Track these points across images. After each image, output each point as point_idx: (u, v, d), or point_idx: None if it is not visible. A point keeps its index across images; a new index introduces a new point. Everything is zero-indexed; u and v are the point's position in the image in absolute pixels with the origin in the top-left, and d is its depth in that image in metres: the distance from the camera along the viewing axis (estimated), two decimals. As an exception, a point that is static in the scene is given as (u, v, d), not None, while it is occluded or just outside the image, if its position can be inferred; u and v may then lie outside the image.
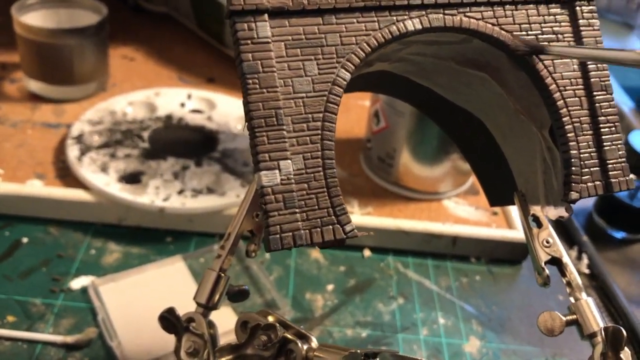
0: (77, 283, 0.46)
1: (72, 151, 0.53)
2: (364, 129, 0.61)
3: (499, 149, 0.36)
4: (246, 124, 0.26)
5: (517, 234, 0.53)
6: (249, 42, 0.25)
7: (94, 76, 0.62)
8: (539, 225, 0.33)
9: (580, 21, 0.31)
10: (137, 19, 0.79)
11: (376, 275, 0.51)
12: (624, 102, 0.79)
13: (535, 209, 0.34)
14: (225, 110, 0.62)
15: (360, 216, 0.53)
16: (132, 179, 0.52)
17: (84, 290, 0.46)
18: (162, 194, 0.50)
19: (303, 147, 0.26)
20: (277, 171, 0.25)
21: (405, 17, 0.28)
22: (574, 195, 0.30)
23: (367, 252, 0.52)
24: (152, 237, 0.51)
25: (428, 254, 0.53)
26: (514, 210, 0.55)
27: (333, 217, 0.25)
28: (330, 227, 0.25)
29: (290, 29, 0.26)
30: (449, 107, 0.36)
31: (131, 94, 0.62)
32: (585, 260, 0.55)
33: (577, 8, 0.31)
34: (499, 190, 0.39)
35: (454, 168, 0.56)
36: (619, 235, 0.59)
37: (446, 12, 0.29)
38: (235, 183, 0.53)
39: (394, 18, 0.28)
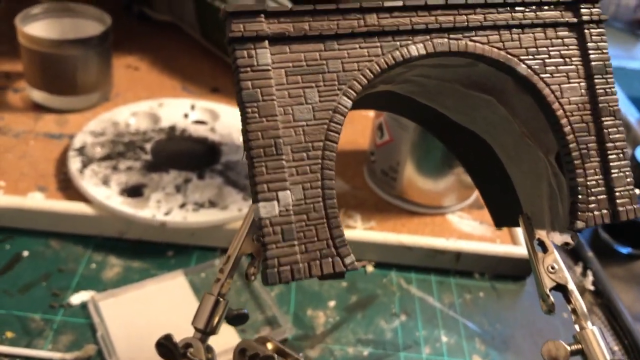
0: (77, 298, 0.46)
1: (74, 163, 0.53)
2: (368, 141, 0.60)
3: (505, 171, 0.36)
4: (245, 153, 0.25)
5: (521, 249, 0.53)
6: (248, 69, 0.25)
7: (97, 86, 0.62)
8: (544, 250, 0.33)
9: (589, 44, 0.30)
10: (142, 28, 0.79)
11: (378, 292, 0.50)
12: (631, 113, 0.78)
13: (541, 234, 0.33)
14: (228, 121, 0.62)
15: (363, 231, 0.52)
16: (133, 192, 0.52)
17: (83, 306, 0.45)
18: (164, 208, 0.50)
19: (302, 177, 0.25)
20: (275, 202, 0.24)
21: (409, 42, 0.27)
22: (579, 224, 0.29)
23: (369, 268, 0.52)
24: (153, 250, 0.50)
25: (431, 270, 0.52)
26: (519, 227, 0.55)
27: (332, 249, 0.25)
28: (330, 259, 0.25)
29: (291, 55, 0.26)
30: (454, 127, 0.36)
31: (134, 104, 0.62)
32: (590, 277, 0.54)
33: (586, 31, 0.30)
34: (504, 211, 0.38)
35: (458, 182, 0.55)
36: (625, 250, 0.59)
37: (451, 36, 0.28)
38: (237, 197, 0.52)
39: (398, 43, 0.27)
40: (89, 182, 0.51)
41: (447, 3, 0.28)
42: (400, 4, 0.27)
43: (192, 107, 0.63)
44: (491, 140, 0.35)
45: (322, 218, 0.25)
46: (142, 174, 0.53)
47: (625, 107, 0.79)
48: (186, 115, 0.62)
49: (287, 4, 0.66)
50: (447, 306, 0.50)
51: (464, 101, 0.33)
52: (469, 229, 0.55)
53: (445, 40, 0.28)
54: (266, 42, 0.25)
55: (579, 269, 0.55)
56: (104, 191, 0.51)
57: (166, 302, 0.46)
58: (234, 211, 0.51)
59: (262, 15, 0.25)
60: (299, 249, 0.24)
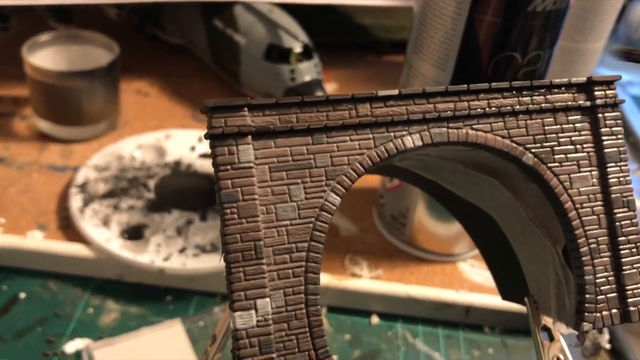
0: (71, 346, 0.45)
1: (75, 201, 0.52)
2: (379, 179, 0.59)
3: (511, 247, 0.34)
4: (222, 254, 0.23)
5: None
6: (228, 167, 0.23)
7: (103, 116, 0.61)
8: (551, 337, 0.31)
9: (603, 130, 0.28)
10: (154, 50, 0.77)
11: (383, 346, 0.48)
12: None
13: (547, 320, 0.31)
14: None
15: (369, 280, 0.51)
16: (134, 233, 0.50)
17: (78, 354, 0.44)
18: (163, 253, 0.49)
19: (284, 282, 0.23)
20: (253, 312, 0.23)
21: (404, 132, 0.26)
22: (586, 326, 0.27)
23: (374, 319, 0.50)
24: (151, 295, 0.49)
25: (439, 322, 0.51)
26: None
27: (314, 363, 0.23)
28: (311, 375, 0.23)
29: (276, 150, 0.24)
30: (458, 200, 0.34)
31: (141, 136, 0.60)
32: (606, 335, 0.51)
33: (600, 115, 0.28)
34: (512, 286, 0.36)
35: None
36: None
37: (450, 125, 0.26)
38: (240, 241, 0.51)
39: (392, 134, 0.25)
40: (89, 223, 0.50)
41: (447, 89, 0.26)
42: (396, 92, 0.25)
43: (200, 140, 0.61)
44: (497, 217, 0.33)
45: (305, 327, 0.23)
46: (144, 214, 0.52)
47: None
48: (193, 148, 0.60)
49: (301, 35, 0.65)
50: (453, 364, 0.48)
51: (466, 178, 0.31)
52: (480, 280, 0.53)
53: (444, 129, 0.26)
54: (249, 137, 0.24)
55: (593, 325, 0.52)
56: (104, 233, 0.49)
57: (161, 353, 0.45)
58: (236, 257, 0.49)
59: (246, 108, 0.24)
60: (277, 363, 0.23)
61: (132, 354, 0.45)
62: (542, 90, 0.28)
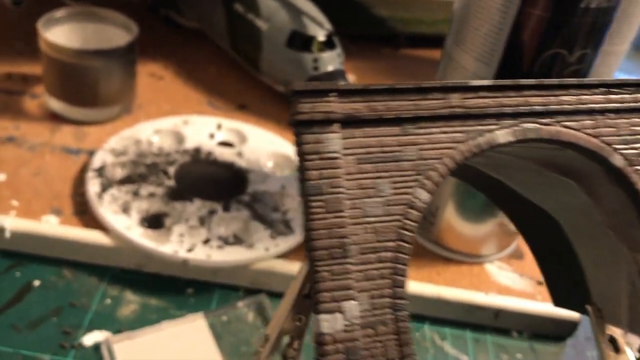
0: (89, 339, 0.43)
1: (93, 186, 0.50)
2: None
3: (574, 252, 0.32)
4: (307, 253, 0.22)
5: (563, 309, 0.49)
6: (315, 157, 0.22)
7: (119, 99, 0.59)
8: (616, 349, 0.29)
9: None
10: (169, 34, 0.75)
11: (410, 347, 0.47)
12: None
13: (614, 331, 0.30)
14: (256, 145, 0.58)
15: (397, 279, 0.49)
16: (155, 222, 0.48)
17: (96, 347, 0.42)
18: (187, 243, 0.47)
19: (370, 283, 0.22)
20: (339, 315, 0.21)
21: (496, 126, 0.24)
22: (671, 340, 0.26)
23: (401, 319, 0.48)
24: (172, 287, 0.47)
25: (468, 325, 0.49)
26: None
27: (402, 372, 0.21)
28: (399, 385, 0.21)
29: (363, 140, 0.22)
30: (519, 200, 0.32)
31: (158, 120, 0.58)
32: None
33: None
34: (567, 292, 0.35)
35: (500, 228, 0.51)
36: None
37: (541, 121, 0.24)
38: (264, 233, 0.49)
39: (482, 127, 0.24)
40: (107, 209, 0.48)
41: (541, 83, 0.24)
42: (489, 82, 0.24)
43: (219, 127, 0.59)
44: (562, 220, 0.31)
45: (392, 333, 0.22)
46: (165, 202, 0.50)
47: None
48: (212, 136, 0.58)
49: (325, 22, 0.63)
50: (482, 368, 0.46)
51: (536, 178, 0.29)
52: (508, 282, 0.51)
53: (536, 125, 0.24)
54: (337, 125, 0.22)
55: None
56: (124, 220, 0.47)
57: (184, 348, 0.43)
58: (261, 250, 0.47)
59: (334, 94, 0.22)
60: (363, 372, 0.21)
61: (154, 348, 0.43)
62: (632, 89, 0.26)
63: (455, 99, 0.23)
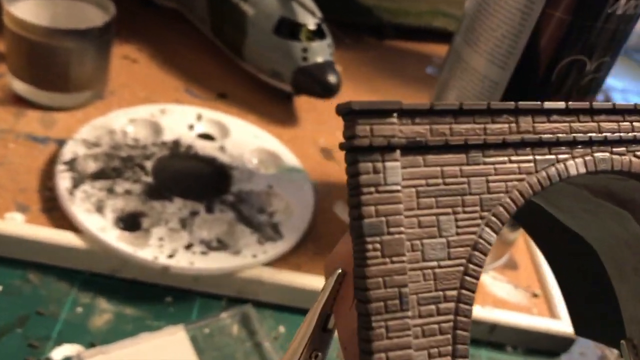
0: (58, 353, 0.39)
1: (63, 181, 0.45)
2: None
3: (608, 284, 0.30)
4: (355, 302, 0.18)
5: (559, 324, 0.47)
6: (373, 190, 0.18)
7: (91, 83, 0.54)
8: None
9: None
10: (145, 13, 0.70)
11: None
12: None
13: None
14: (239, 138, 0.54)
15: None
16: (131, 222, 0.44)
17: (66, 363, 0.38)
18: (167, 248, 0.43)
19: (429, 340, 0.19)
20: (395, 379, 0.18)
21: (568, 155, 0.21)
22: None
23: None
24: (149, 294, 0.43)
25: (461, 340, 0.47)
26: (556, 296, 0.49)
27: None
28: None
29: (426, 169, 0.19)
30: (554, 225, 0.29)
31: (133, 109, 0.54)
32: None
33: None
34: (591, 321, 0.32)
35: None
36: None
37: (614, 150, 0.22)
38: (251, 238, 0.45)
39: (555, 157, 0.21)
40: (80, 208, 0.43)
41: (615, 106, 0.22)
42: (562, 105, 0.21)
43: (199, 117, 0.55)
44: (602, 251, 0.29)
45: (450, 397, 0.19)
46: (142, 201, 0.46)
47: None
48: (191, 127, 0.54)
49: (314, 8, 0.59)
50: (479, 387, 0.44)
51: (584, 205, 0.27)
52: (503, 294, 0.49)
53: (608, 155, 0.21)
54: (398, 152, 0.18)
55: None
56: (98, 220, 0.43)
57: (164, 364, 0.39)
58: (248, 257, 0.44)
59: (395, 114, 0.18)
60: None
61: (130, 364, 0.39)
62: None
63: (525, 122, 0.20)
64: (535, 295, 0.50)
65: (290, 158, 0.54)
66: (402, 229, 0.18)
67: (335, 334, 0.26)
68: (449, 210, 0.19)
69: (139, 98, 0.57)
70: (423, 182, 0.19)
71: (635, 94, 0.86)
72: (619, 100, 0.81)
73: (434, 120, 0.19)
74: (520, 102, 0.20)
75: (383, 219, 0.18)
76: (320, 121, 0.61)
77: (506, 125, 0.20)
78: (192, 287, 0.44)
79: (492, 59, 0.41)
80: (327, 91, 0.57)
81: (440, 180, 0.19)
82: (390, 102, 0.18)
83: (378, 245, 0.18)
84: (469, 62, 0.43)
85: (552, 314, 0.49)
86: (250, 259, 0.44)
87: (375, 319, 0.18)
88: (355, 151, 0.18)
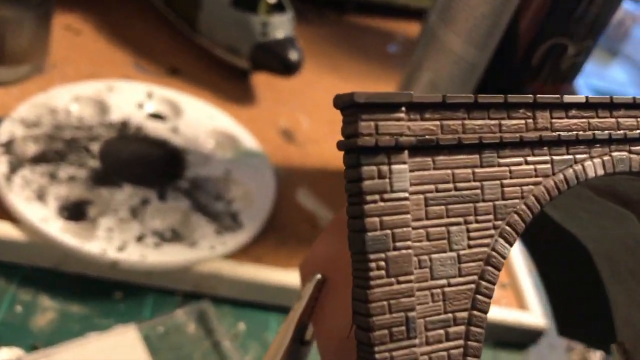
0: (-5, 358, 0.35)
1: (0, 165, 0.41)
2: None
3: (599, 286, 0.28)
4: (354, 328, 0.16)
5: (528, 316, 0.46)
6: (377, 198, 0.15)
7: (30, 56, 0.49)
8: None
9: None
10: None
11: None
12: None
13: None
14: (194, 118, 0.51)
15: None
16: (76, 211, 0.40)
17: (4, 368, 0.35)
18: (117, 240, 0.39)
19: (438, 369, 0.16)
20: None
21: (586, 156, 0.18)
22: None
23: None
24: (97, 290, 0.40)
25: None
26: (525, 287, 0.48)
27: None
28: None
29: (436, 173, 0.16)
30: (545, 223, 0.27)
31: (77, 85, 0.49)
32: None
33: None
34: (577, 323, 0.31)
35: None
36: None
37: (632, 149, 0.19)
38: (208, 229, 0.42)
39: (572, 157, 0.18)
40: (19, 196, 0.39)
41: (635, 100, 0.19)
42: (582, 99, 0.18)
43: (149, 95, 0.51)
44: (597, 251, 0.27)
45: None
46: (88, 187, 0.42)
47: None
48: (141, 106, 0.50)
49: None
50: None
51: (584, 204, 0.25)
52: (471, 285, 0.47)
53: (626, 155, 0.19)
54: (406, 153, 0.16)
55: None
56: (39, 209, 0.39)
57: (114, 367, 0.36)
58: (205, 250, 0.41)
59: (403, 108, 0.16)
60: None
61: (77, 368, 0.36)
62: None
63: (543, 118, 0.18)
64: (503, 286, 0.49)
65: (248, 141, 0.50)
66: (409, 243, 0.16)
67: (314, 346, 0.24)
68: (460, 219, 0.17)
69: (84, 73, 0.53)
70: (432, 187, 0.16)
71: (595, 76, 0.85)
72: (582, 86, 0.81)
73: (445, 115, 0.16)
74: (539, 95, 0.18)
75: (389, 232, 0.15)
76: (281, 101, 0.58)
77: (523, 122, 0.17)
78: (144, 282, 0.40)
79: (470, 39, 0.39)
80: (288, 69, 0.53)
81: (451, 185, 0.16)
82: (398, 94, 0.15)
83: (382, 263, 0.15)
84: (444, 42, 0.40)
85: (521, 305, 0.47)
86: (208, 251, 0.41)
87: (378, 349, 0.15)
88: (357, 152, 0.15)
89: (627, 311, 0.27)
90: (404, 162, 0.16)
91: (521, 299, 0.48)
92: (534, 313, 0.46)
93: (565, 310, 0.31)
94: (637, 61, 0.92)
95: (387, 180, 0.15)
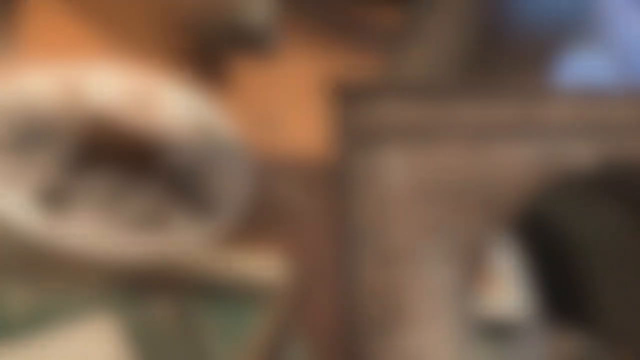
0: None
1: (-34, 151, 0.39)
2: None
3: (585, 279, 0.28)
4: (347, 325, 0.15)
5: (513, 306, 0.46)
6: (369, 188, 0.15)
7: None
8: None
9: None
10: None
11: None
12: None
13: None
14: (170, 105, 0.49)
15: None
16: (49, 198, 0.39)
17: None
18: (90, 229, 0.38)
19: (429, 365, 0.16)
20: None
21: (581, 147, 0.18)
22: None
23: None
24: (70, 283, 0.39)
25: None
26: (512, 280, 0.48)
27: None
28: None
29: (425, 162, 0.16)
30: (534, 213, 0.27)
31: (49, 67, 0.48)
32: None
33: None
34: (563, 313, 0.31)
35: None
36: None
37: (627, 140, 0.19)
38: (185, 218, 0.41)
39: (561, 149, 0.18)
40: (-14, 183, 0.38)
41: (625, 93, 0.19)
42: (573, 91, 0.18)
43: (125, 74, 0.50)
44: (589, 247, 0.27)
45: None
46: (61, 174, 0.40)
47: None
48: (115, 89, 0.49)
49: None
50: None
51: (581, 198, 0.24)
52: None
53: (622, 147, 0.19)
54: (399, 141, 0.15)
55: None
56: (8, 197, 0.38)
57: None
58: (181, 238, 0.40)
59: (398, 95, 0.15)
60: None
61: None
62: None
63: (535, 107, 0.17)
64: (491, 278, 0.49)
65: (225, 127, 0.49)
66: (401, 234, 0.15)
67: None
68: (451, 210, 0.16)
69: (57, 55, 0.51)
70: (423, 177, 0.16)
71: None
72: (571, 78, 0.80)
73: (440, 103, 0.16)
74: (531, 86, 0.17)
75: (381, 222, 0.15)
76: (259, 84, 0.57)
77: (517, 111, 0.17)
78: (120, 274, 0.40)
79: (460, 22, 0.38)
80: (266, 48, 0.52)
81: (441, 175, 0.16)
82: (392, 79, 0.15)
83: (373, 257, 0.15)
84: (433, 25, 0.40)
85: (507, 295, 0.47)
86: (184, 240, 0.40)
87: (369, 340, 0.15)
88: (349, 140, 0.14)
89: (614, 300, 0.27)
90: (396, 152, 0.15)
91: (507, 290, 0.48)
92: (519, 303, 0.46)
93: (552, 300, 0.31)
94: (623, 53, 0.93)
95: (380, 169, 0.15)
